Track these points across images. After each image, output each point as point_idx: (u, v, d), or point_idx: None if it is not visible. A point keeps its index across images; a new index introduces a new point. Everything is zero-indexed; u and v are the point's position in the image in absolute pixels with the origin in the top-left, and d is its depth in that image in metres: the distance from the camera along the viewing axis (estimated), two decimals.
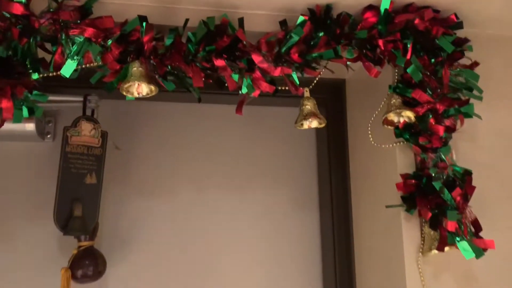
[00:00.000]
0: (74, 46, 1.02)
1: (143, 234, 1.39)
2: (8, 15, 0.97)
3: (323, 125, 1.16)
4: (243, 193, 1.46)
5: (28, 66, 1.01)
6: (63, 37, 1.01)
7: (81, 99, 1.32)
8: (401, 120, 1.12)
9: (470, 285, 1.12)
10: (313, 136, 1.53)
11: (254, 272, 1.41)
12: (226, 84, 1.09)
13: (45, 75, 1.03)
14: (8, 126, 1.12)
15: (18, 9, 0.97)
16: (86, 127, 1.30)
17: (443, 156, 1.09)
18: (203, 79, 1.05)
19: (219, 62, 1.05)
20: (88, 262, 1.25)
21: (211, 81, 1.09)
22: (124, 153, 1.40)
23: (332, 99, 1.45)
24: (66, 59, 1.02)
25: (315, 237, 1.47)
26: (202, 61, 1.05)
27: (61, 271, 1.23)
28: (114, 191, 1.38)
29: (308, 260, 1.46)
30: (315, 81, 1.16)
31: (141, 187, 1.42)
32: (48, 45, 1.04)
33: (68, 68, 1.02)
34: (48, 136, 1.41)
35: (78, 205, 1.25)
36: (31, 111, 1.02)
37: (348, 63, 1.11)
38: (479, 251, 1.01)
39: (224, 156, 1.48)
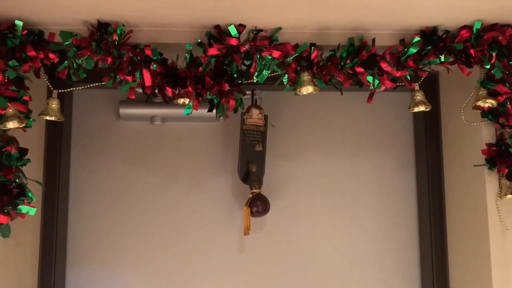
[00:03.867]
0: (264, 62, 1.57)
1: (285, 189, 1.97)
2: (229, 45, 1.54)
3: (428, 109, 1.66)
4: (355, 156, 2.00)
5: (235, 76, 1.59)
6: (258, 57, 1.57)
7: (249, 93, 1.90)
8: (486, 105, 1.59)
9: None
10: (410, 117, 2.03)
11: (361, 220, 1.96)
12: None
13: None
14: (196, 112, 1.70)
15: (234, 42, 1.53)
16: (255, 112, 1.88)
17: None
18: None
19: (360, 69, 1.57)
20: (260, 202, 1.85)
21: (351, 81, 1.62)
22: (276, 129, 1.98)
23: (429, 87, 1.93)
24: (258, 71, 1.58)
25: (412, 192, 2.00)
26: (348, 69, 1.58)
27: (244, 208, 1.85)
28: (270, 156, 1.96)
29: (405, 211, 1.98)
30: (422, 79, 1.65)
31: (284, 153, 1.99)
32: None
33: (262, 76, 1.58)
34: (221, 118, 2.01)
35: (253, 164, 1.86)
36: (239, 104, 1.60)
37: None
38: None
39: (347, 131, 2.02)
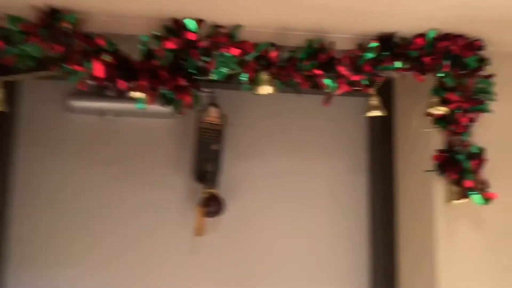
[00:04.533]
0: (222, 59, 1.55)
1: (241, 189, 1.95)
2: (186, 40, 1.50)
3: (383, 114, 1.68)
4: (311, 158, 2.01)
5: (193, 72, 1.55)
6: (216, 53, 1.54)
7: (207, 90, 1.87)
8: (438, 112, 1.63)
9: (481, 224, 1.67)
10: (365, 121, 2.06)
11: (315, 222, 1.97)
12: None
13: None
14: (154, 107, 1.66)
15: (192, 36, 1.50)
16: (212, 110, 1.85)
17: (465, 138, 1.62)
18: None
19: (318, 72, 1.58)
20: (214, 203, 1.83)
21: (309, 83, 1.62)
22: (234, 128, 1.95)
23: (385, 93, 1.96)
24: (216, 68, 1.55)
25: (363, 195, 2.03)
26: (306, 71, 1.58)
27: (197, 208, 1.82)
28: (227, 155, 1.93)
29: (357, 214, 2.00)
30: (378, 84, 1.68)
31: (241, 153, 1.97)
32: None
33: (220, 73, 1.55)
34: (177, 115, 1.96)
35: (209, 163, 1.82)
36: (196, 101, 1.56)
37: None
38: (486, 200, 1.55)
39: (304, 132, 2.02)
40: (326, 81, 1.60)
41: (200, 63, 1.54)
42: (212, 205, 1.82)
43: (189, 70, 1.54)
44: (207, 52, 1.53)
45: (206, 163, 1.82)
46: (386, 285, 1.93)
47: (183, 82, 1.51)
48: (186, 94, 1.51)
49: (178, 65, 1.52)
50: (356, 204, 2.01)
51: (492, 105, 1.64)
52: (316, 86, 1.62)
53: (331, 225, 1.98)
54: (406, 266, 1.87)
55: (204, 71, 1.55)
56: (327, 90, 1.62)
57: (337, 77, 1.60)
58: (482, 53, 1.64)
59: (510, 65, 1.74)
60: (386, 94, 1.99)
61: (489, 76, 1.64)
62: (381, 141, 2.01)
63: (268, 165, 1.98)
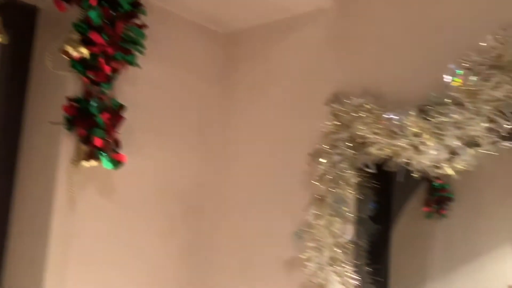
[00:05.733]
0: None
1: None
2: None
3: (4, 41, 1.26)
4: None
5: None
6: None
7: None
8: (76, 54, 1.33)
9: (111, 193, 1.47)
10: None
11: None
12: None
13: None
14: None
15: None
16: None
17: (105, 90, 1.37)
18: None
19: None
20: None
21: None
22: None
23: (25, 22, 1.53)
24: None
25: None
26: None
27: None
28: None
29: None
30: None
31: None
32: None
33: None
34: None
35: None
36: None
37: None
38: (117, 163, 1.35)
39: None
40: None
41: None
42: None
43: None
44: None
45: None
46: None
47: None
48: None
49: None
50: None
51: (141, 61, 1.47)
52: None
53: None
54: (17, 239, 1.50)
55: None
56: None
57: None
58: None
59: (166, 26, 1.62)
60: (27, 24, 1.56)
61: (142, 26, 1.45)
62: (13, 80, 1.56)
63: None
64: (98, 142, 1.31)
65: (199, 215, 1.74)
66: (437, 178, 1.68)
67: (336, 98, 1.43)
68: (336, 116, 1.41)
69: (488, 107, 1.09)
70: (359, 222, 1.40)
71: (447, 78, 1.15)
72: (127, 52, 1.40)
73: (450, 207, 1.68)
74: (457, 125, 1.12)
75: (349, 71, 1.48)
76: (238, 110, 1.77)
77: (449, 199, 1.69)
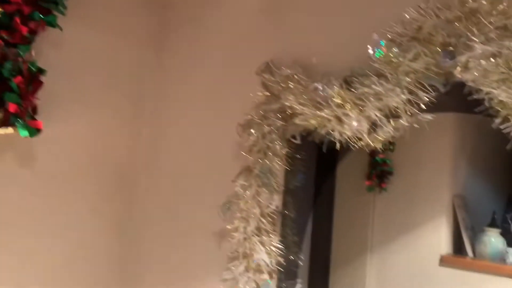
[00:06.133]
0: None
1: None
2: None
3: None
4: None
5: None
6: None
7: None
8: None
9: (32, 162, 1.40)
10: None
11: None
12: None
13: None
14: None
15: None
16: None
17: (21, 53, 1.29)
18: None
19: None
20: None
21: None
22: None
23: None
24: None
25: None
26: None
27: None
28: None
29: None
30: None
31: None
32: None
33: None
34: None
35: None
36: None
37: None
38: (33, 131, 1.28)
39: None
40: None
41: None
42: None
43: None
44: None
45: None
46: None
47: None
48: None
49: None
50: None
51: (65, 23, 1.38)
52: None
53: None
54: None
55: None
56: None
57: None
58: None
59: None
60: None
61: None
62: None
63: None
64: (12, 107, 1.23)
65: (131, 187, 1.70)
66: (379, 152, 1.74)
67: (267, 68, 1.40)
68: (266, 86, 1.39)
69: (408, 79, 1.10)
70: (287, 192, 1.40)
71: (371, 49, 1.15)
72: (46, 12, 1.32)
73: (390, 181, 1.73)
74: (378, 96, 1.12)
75: (281, 41, 1.46)
76: (171, 79, 1.72)
77: (389, 173, 1.75)
